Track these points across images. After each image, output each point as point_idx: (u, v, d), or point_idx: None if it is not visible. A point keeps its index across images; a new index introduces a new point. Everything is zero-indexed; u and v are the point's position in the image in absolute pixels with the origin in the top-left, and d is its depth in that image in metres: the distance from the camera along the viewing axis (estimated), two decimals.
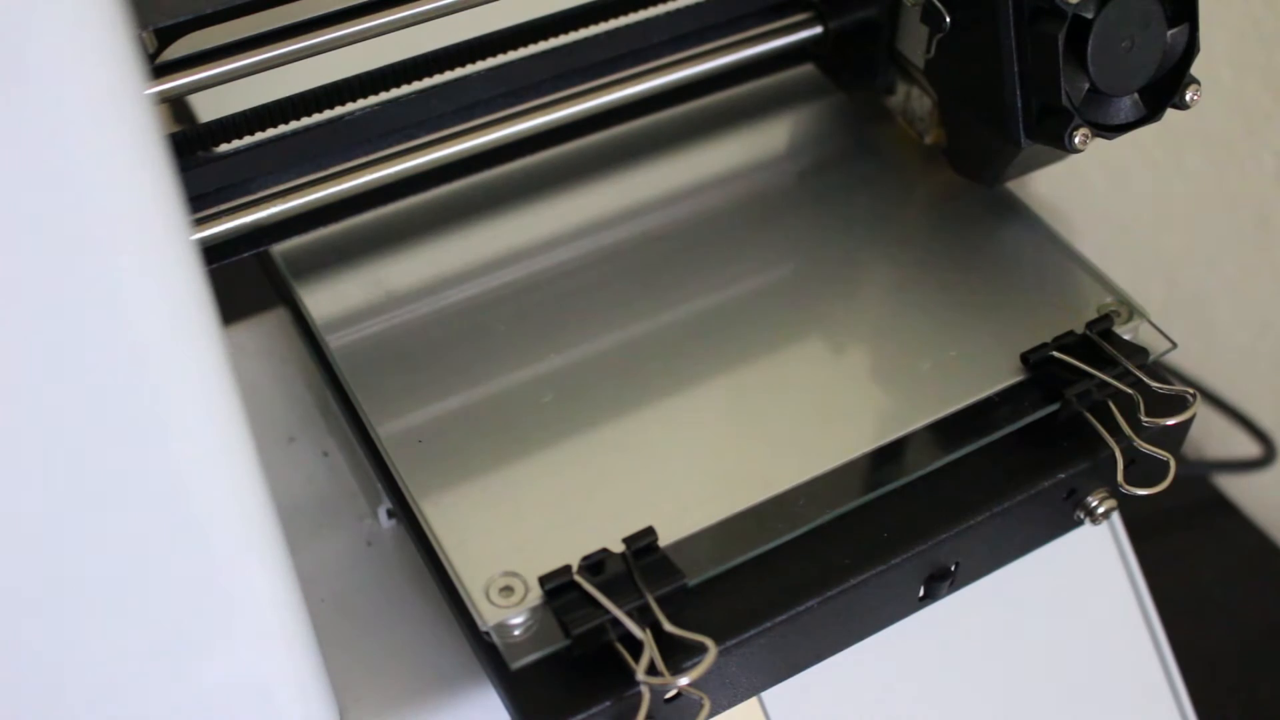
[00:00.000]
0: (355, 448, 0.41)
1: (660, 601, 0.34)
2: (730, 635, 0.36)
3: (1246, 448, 0.74)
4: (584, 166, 0.47)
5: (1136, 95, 0.40)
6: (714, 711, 0.36)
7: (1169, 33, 0.39)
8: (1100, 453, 0.40)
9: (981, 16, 0.40)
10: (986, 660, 0.47)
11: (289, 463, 0.46)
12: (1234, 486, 0.75)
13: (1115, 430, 0.39)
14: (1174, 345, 0.42)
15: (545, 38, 0.44)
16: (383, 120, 0.43)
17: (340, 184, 0.42)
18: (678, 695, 0.35)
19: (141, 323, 0.24)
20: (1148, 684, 0.49)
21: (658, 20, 0.46)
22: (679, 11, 0.46)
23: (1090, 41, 0.38)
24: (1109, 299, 0.43)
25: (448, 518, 0.37)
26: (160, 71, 0.39)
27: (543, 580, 0.35)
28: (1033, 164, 0.45)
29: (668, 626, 0.34)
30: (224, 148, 0.41)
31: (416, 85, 0.43)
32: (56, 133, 0.21)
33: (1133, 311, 0.42)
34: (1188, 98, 0.40)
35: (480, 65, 0.44)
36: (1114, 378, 0.40)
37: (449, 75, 0.43)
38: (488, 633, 0.35)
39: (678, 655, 0.35)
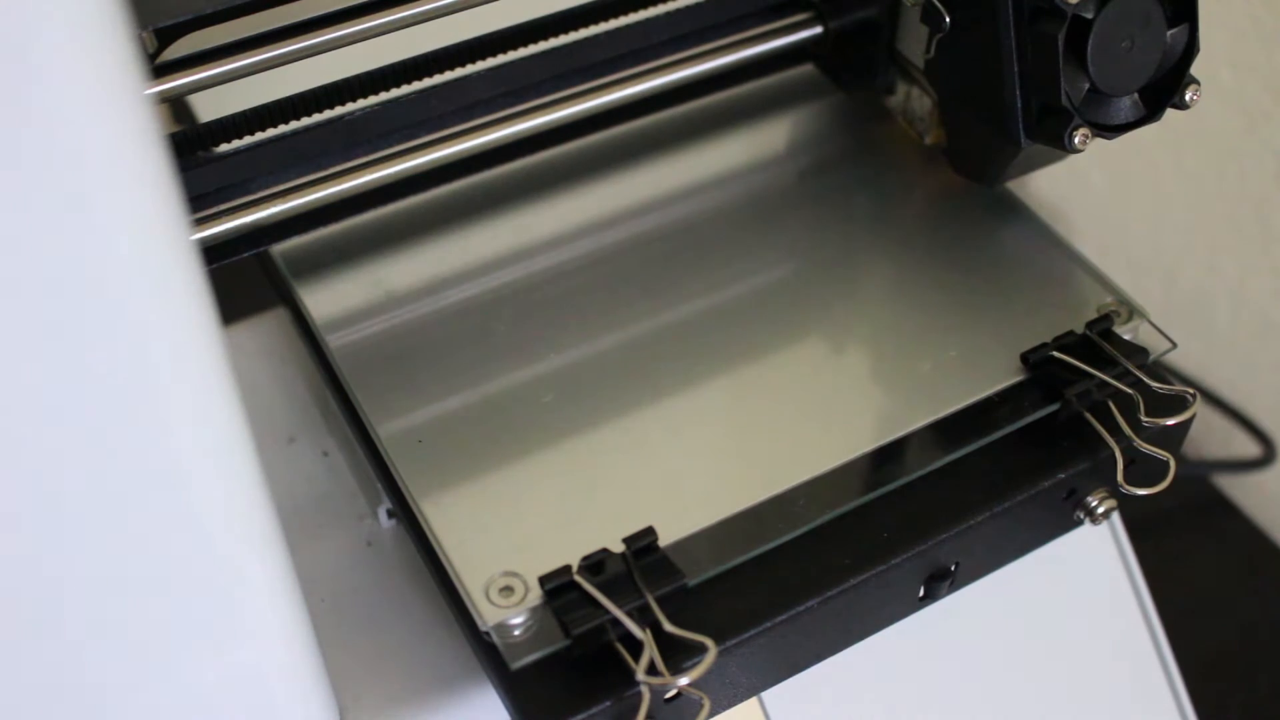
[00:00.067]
0: (355, 448, 0.41)
1: (660, 601, 0.34)
2: (730, 635, 0.36)
3: (1246, 448, 0.74)
4: (584, 166, 0.47)
5: (1136, 95, 0.40)
6: (714, 711, 0.36)
7: (1169, 33, 0.39)
8: (1100, 453, 0.40)
9: (981, 16, 0.40)
10: (986, 660, 0.47)
11: (289, 463, 0.46)
12: (1234, 486, 0.75)
13: (1115, 430, 0.39)
14: (1174, 345, 0.42)
15: (545, 38, 0.44)
16: (383, 120, 0.43)
17: (340, 184, 0.42)
18: (678, 695, 0.35)
19: (141, 323, 0.24)
20: (1148, 684, 0.49)
21: (658, 20, 0.46)
22: (679, 11, 0.46)
23: (1090, 41, 0.38)
24: (1109, 299, 0.43)
25: (448, 518, 0.37)
26: (160, 71, 0.39)
27: (543, 580, 0.35)
28: (1033, 164, 0.45)
29: (668, 626, 0.34)
30: (224, 148, 0.41)
31: (417, 85, 0.43)
32: (56, 133, 0.21)
33: (1133, 311, 0.42)
34: (1188, 98, 0.40)
35: (480, 65, 0.44)
36: (1114, 378, 0.40)
37: (449, 75, 0.43)
38: (488, 633, 0.35)
39: (678, 655, 0.35)
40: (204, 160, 0.41)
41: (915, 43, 0.45)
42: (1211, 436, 0.76)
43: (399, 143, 0.43)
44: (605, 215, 0.46)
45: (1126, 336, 0.42)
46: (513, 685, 0.35)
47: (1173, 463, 0.39)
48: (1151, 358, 0.41)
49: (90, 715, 0.29)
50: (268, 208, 0.41)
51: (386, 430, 0.39)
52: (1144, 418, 0.39)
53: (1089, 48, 0.38)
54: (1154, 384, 0.40)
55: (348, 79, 0.42)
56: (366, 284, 0.43)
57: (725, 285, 0.44)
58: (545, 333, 0.42)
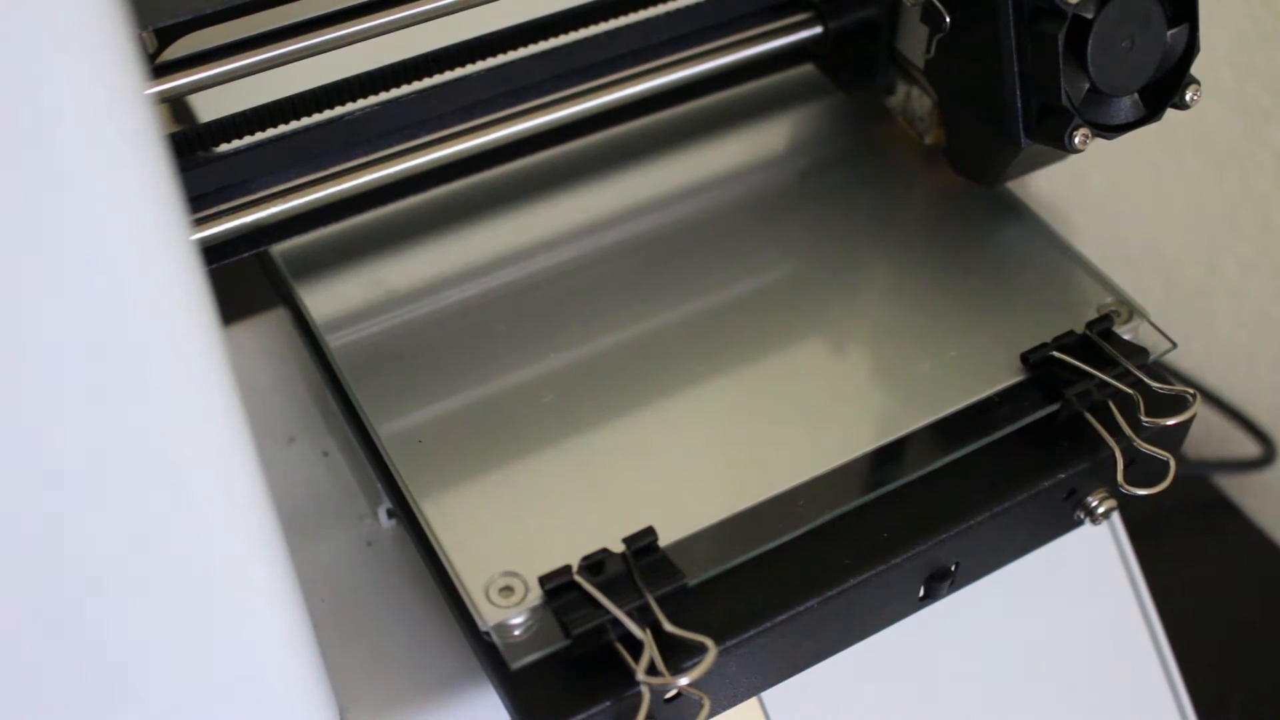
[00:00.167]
0: (355, 448, 0.41)
1: (660, 601, 0.34)
2: (730, 635, 0.36)
3: (1246, 448, 0.74)
4: (584, 166, 0.47)
5: (1136, 95, 0.40)
6: (714, 711, 0.36)
7: (1169, 33, 0.39)
8: (1100, 453, 0.40)
9: (981, 16, 0.40)
10: (987, 660, 0.47)
11: (289, 463, 0.46)
12: (1234, 486, 0.75)
13: (1115, 430, 0.39)
14: (1174, 345, 0.42)
15: (545, 38, 0.44)
16: (383, 120, 0.43)
17: (340, 184, 0.42)
18: (678, 695, 0.35)
19: (141, 323, 0.24)
20: (1148, 684, 0.49)
21: (658, 20, 0.46)
22: (679, 12, 0.46)
23: (1090, 41, 0.38)
24: (1109, 299, 0.43)
25: (448, 518, 0.37)
26: (160, 71, 0.39)
27: (543, 580, 0.35)
28: (1033, 164, 0.45)
29: (668, 626, 0.34)
30: (224, 148, 0.41)
31: (417, 85, 0.43)
32: (56, 133, 0.21)
33: (1133, 311, 0.42)
34: (1188, 98, 0.40)
35: (480, 65, 0.44)
36: (1114, 378, 0.40)
37: (449, 75, 0.43)
38: (488, 633, 0.35)
39: (678, 655, 0.35)
40: (204, 160, 0.41)
41: (915, 43, 0.45)
42: (1211, 436, 0.76)
43: (399, 143, 0.43)
44: (605, 215, 0.46)
45: (1126, 336, 0.42)
46: (513, 685, 0.35)
47: (1173, 463, 0.39)
48: (1151, 358, 0.41)
49: (90, 715, 0.29)
50: (268, 208, 0.41)
51: (386, 430, 0.39)
52: (1144, 418, 0.39)
53: (1089, 48, 0.38)
54: (1154, 384, 0.40)
55: (348, 79, 0.42)
56: (366, 284, 0.43)
57: (725, 285, 0.44)
58: (545, 333, 0.42)
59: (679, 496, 0.37)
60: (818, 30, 0.47)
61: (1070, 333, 0.41)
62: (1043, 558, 0.43)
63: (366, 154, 0.43)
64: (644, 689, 0.34)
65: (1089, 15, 0.38)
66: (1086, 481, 0.40)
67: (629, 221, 0.46)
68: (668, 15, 0.46)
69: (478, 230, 0.45)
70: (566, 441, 0.39)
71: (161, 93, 0.39)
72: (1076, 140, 0.39)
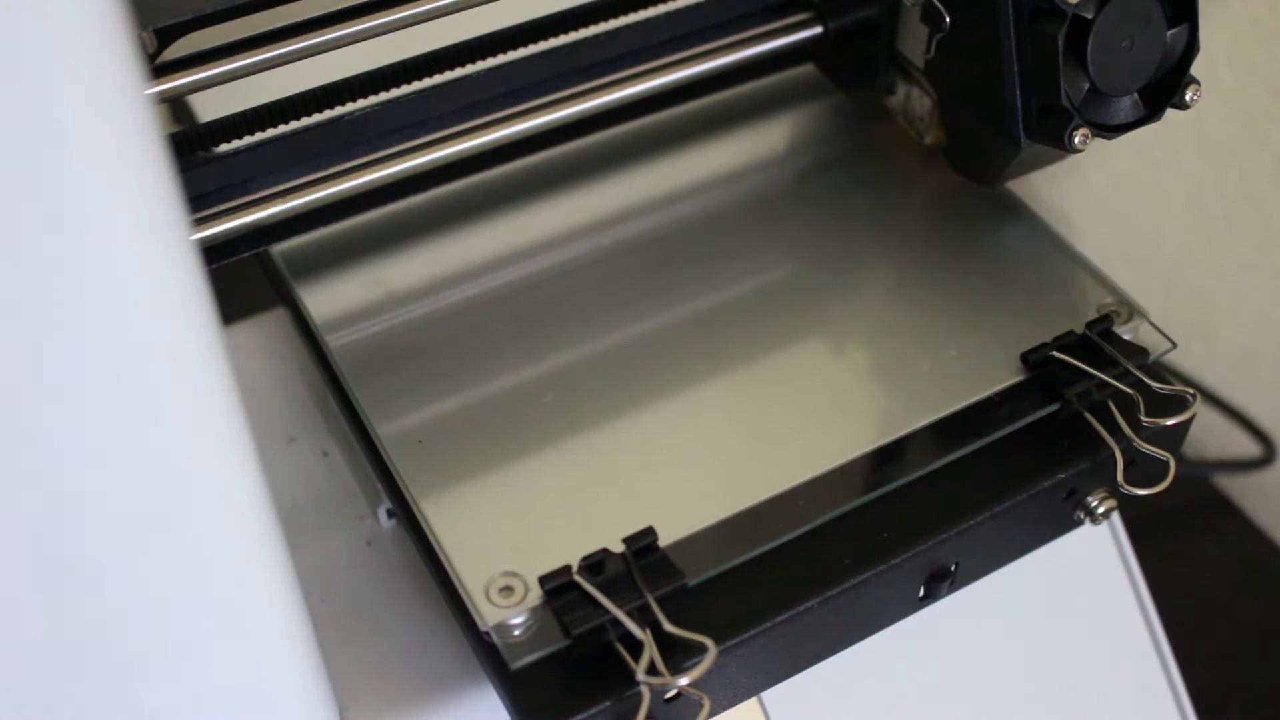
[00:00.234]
0: (355, 448, 0.41)
1: (660, 601, 0.34)
2: (730, 635, 0.36)
3: (1246, 448, 0.74)
4: (584, 166, 0.47)
5: (1136, 95, 0.40)
6: (714, 711, 0.36)
7: (1169, 33, 0.39)
8: (1100, 453, 0.40)
9: (981, 16, 0.40)
10: (986, 660, 0.47)
11: (289, 463, 0.46)
12: (1234, 486, 0.75)
13: (1115, 430, 0.39)
14: (1174, 345, 0.42)
15: (545, 38, 0.44)
16: (383, 120, 0.43)
17: (340, 184, 0.42)
18: (678, 695, 0.35)
19: (141, 323, 0.24)
20: (1148, 684, 0.49)
21: (658, 20, 0.46)
22: (679, 12, 0.46)
23: (1090, 41, 0.38)
24: (1109, 299, 0.43)
25: (448, 518, 0.37)
26: (160, 71, 0.39)
27: (543, 580, 0.35)
28: (1033, 164, 0.45)
29: (668, 626, 0.34)
30: (224, 148, 0.41)
31: (417, 85, 0.43)
32: (56, 133, 0.21)
33: (1133, 311, 0.42)
34: (1188, 98, 0.40)
35: (480, 65, 0.44)
36: (1114, 378, 0.40)
37: (449, 75, 0.43)
38: (488, 633, 0.35)
39: (678, 655, 0.35)
40: (204, 160, 0.41)
41: (915, 43, 0.45)
42: (1211, 436, 0.76)
43: (399, 143, 0.43)
44: (605, 215, 0.46)
45: (1126, 336, 0.42)
46: (513, 685, 0.35)
47: (1173, 463, 0.39)
48: (1151, 358, 0.41)
49: (90, 715, 0.29)
50: (268, 208, 0.41)
51: (386, 430, 0.39)
52: (1144, 418, 0.39)
53: (1089, 48, 0.38)
54: (1154, 384, 0.40)
55: (348, 79, 0.42)
56: (366, 284, 0.43)
57: (725, 285, 0.44)
58: (545, 333, 0.42)
59: (679, 496, 0.37)
60: (818, 30, 0.47)
61: (1070, 333, 0.41)
62: (1043, 558, 0.43)
63: (366, 154, 0.43)
64: (644, 689, 0.34)
65: (1089, 15, 0.38)
66: (1086, 481, 0.40)
67: (629, 221, 0.46)
68: (667, 15, 0.46)
69: (478, 230, 0.45)
70: (566, 441, 0.39)
71: (161, 93, 0.39)
72: (1076, 140, 0.39)
